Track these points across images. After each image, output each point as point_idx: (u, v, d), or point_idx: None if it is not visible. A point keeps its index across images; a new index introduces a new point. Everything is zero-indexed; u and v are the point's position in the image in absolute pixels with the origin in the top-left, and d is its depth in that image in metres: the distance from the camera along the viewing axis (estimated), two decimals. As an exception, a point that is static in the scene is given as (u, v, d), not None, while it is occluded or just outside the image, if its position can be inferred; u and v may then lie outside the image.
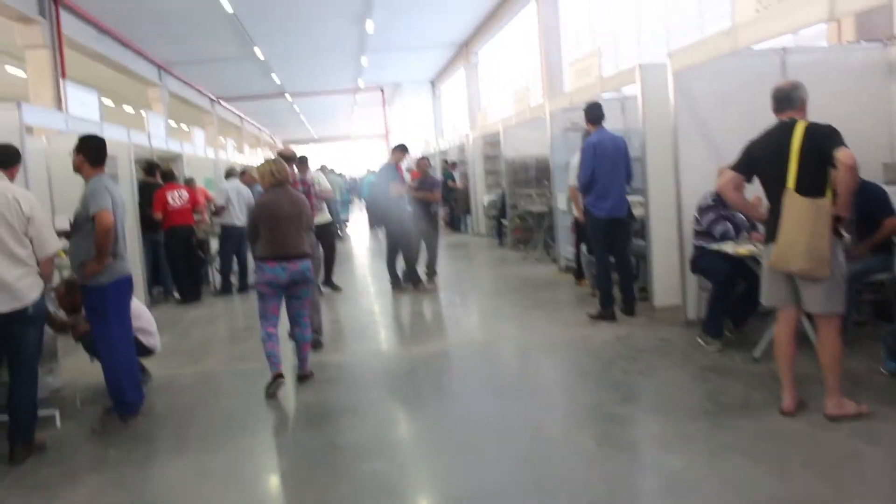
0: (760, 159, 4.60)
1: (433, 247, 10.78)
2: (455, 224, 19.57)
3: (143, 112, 12.52)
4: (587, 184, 7.51)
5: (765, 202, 4.75)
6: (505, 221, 14.60)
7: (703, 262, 6.44)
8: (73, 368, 6.73)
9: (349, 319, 9.13)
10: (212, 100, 34.37)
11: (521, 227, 14.06)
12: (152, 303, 10.66)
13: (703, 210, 6.40)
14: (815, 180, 4.31)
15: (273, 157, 6.53)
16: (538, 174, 13.93)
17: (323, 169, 20.12)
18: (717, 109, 6.85)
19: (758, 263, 5.60)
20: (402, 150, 10.65)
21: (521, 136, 13.92)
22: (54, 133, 9.90)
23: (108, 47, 20.22)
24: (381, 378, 6.36)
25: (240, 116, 42.83)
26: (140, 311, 6.28)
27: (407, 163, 11.59)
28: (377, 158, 27.38)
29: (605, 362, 6.13)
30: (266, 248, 5.98)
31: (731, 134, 6.27)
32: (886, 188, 6.05)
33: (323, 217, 10.54)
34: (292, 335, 6.50)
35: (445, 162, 20.23)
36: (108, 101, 32.01)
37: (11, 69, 23.59)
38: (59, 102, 8.75)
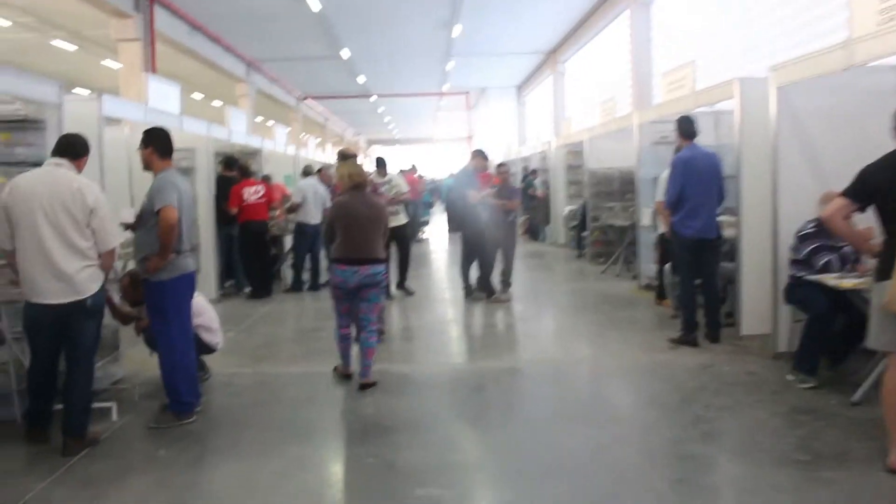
0: (880, 188, 4.12)
1: (510, 256, 10.44)
2: (534, 233, 19.18)
3: (224, 106, 12.53)
4: (675, 201, 7.06)
5: (878, 234, 4.26)
6: (585, 233, 14.15)
7: (800, 293, 5.94)
8: (137, 360, 6.62)
9: (418, 327, 8.90)
10: (297, 98, 34.80)
11: (601, 241, 13.58)
12: (223, 296, 10.67)
13: (803, 238, 5.89)
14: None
15: (351, 160, 6.52)
16: (622, 187, 13.44)
17: (402, 172, 20.06)
18: (825, 129, 6.32)
19: (863, 299, 5.10)
20: (481, 155, 10.37)
21: (606, 147, 13.44)
22: (138, 124, 9.97)
23: (198, 43, 20.58)
24: (446, 393, 6.06)
25: (324, 115, 43.32)
26: (203, 307, 6.16)
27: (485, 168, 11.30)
28: (459, 162, 27.03)
29: (685, 393, 5.70)
30: (339, 250, 6.00)
31: (839, 157, 5.82)
32: None
33: (398, 219, 10.37)
34: (357, 339, 6.34)
35: (525, 169, 19.84)
36: (197, 96, 32.83)
37: (110, 63, 24.28)
38: (158, 97, 8.72)
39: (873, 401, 4.52)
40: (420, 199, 20.56)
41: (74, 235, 4.63)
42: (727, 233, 7.78)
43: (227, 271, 11.47)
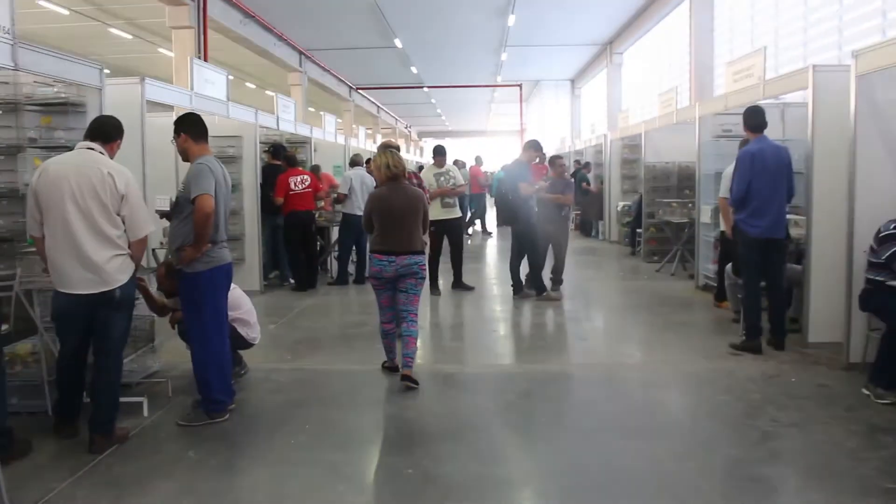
0: None
1: (561, 253, 10.04)
2: (586, 229, 18.69)
3: (273, 94, 12.37)
4: (742, 198, 6.59)
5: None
6: (639, 230, 13.66)
7: (879, 300, 5.46)
8: (174, 351, 6.43)
9: (465, 324, 8.61)
10: (350, 87, 34.70)
11: (656, 238, 13.09)
12: (266, 288, 10.50)
13: (883, 239, 5.40)
14: None
15: (390, 150, 6.25)
16: (680, 182, 12.94)
17: (456, 163, 19.74)
18: (909, 122, 5.83)
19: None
20: (534, 147, 9.99)
21: (665, 140, 12.95)
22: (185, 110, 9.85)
23: (251, 31, 20.50)
24: (492, 397, 5.70)
25: (377, 105, 43.19)
26: (240, 300, 5.93)
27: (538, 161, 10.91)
28: (510, 154, 26.57)
29: (749, 406, 5.26)
30: (377, 242, 5.95)
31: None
32: None
33: (453, 212, 10.05)
34: (398, 331, 6.14)
35: (578, 163, 19.34)
36: (251, 85, 32.95)
37: (166, 52, 24.40)
38: (204, 83, 8.56)
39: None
40: (485, 192, 20.26)
41: (104, 223, 4.42)
42: (793, 232, 7.31)
43: (272, 262, 11.33)
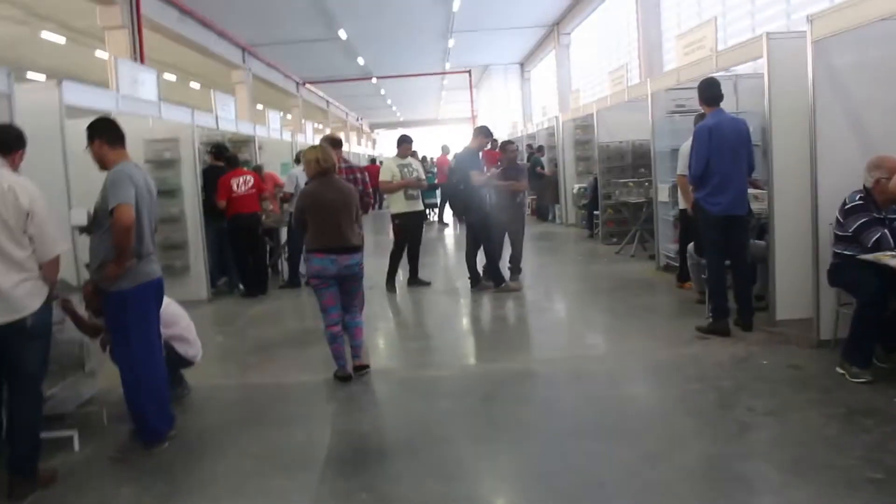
0: None
1: (518, 241, 9.74)
2: (543, 213, 18.43)
3: (211, 92, 11.82)
4: (701, 174, 6.31)
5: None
6: (596, 212, 13.42)
7: (847, 274, 5.23)
8: (111, 375, 5.92)
9: (420, 323, 8.26)
10: (297, 82, 34.02)
11: (614, 219, 12.86)
12: (215, 295, 10.04)
13: (849, 211, 5.16)
14: None
15: (319, 144, 6.16)
16: (635, 161, 12.73)
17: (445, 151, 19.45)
18: (869, 88, 5.59)
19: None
20: (484, 133, 9.64)
21: (617, 119, 12.70)
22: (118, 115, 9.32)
23: (190, 29, 19.86)
24: (451, 404, 5.32)
25: (326, 100, 42.51)
26: (176, 316, 5.51)
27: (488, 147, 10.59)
28: (464, 142, 26.37)
29: (721, 395, 5.00)
30: (314, 240, 5.77)
31: (887, 119, 5.15)
32: None
33: (416, 205, 9.69)
34: (343, 324, 5.97)
35: (530, 147, 19.04)
36: (195, 84, 32.13)
37: (103, 54, 23.60)
38: (133, 84, 8.02)
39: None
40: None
41: (8, 244, 3.96)
42: (754, 207, 7.07)
43: (219, 268, 10.85)
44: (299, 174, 10.36)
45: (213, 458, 4.54)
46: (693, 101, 9.34)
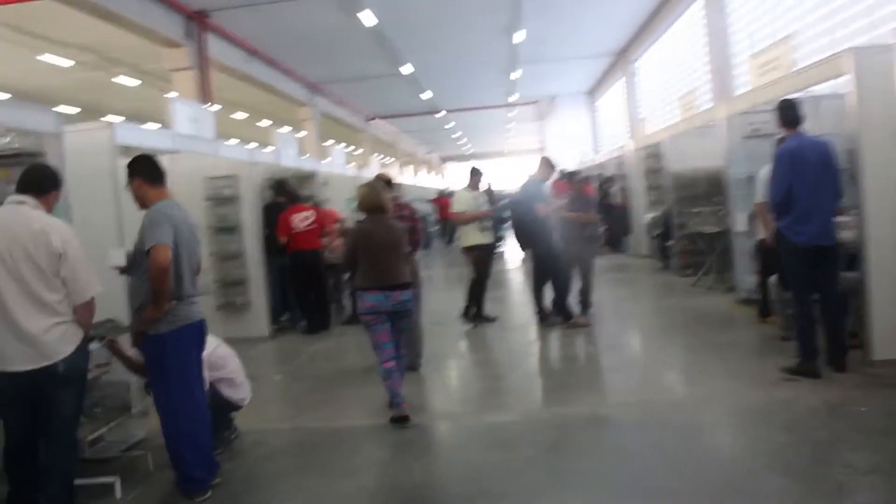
0: None
1: (588, 274, 9.32)
2: (614, 244, 17.85)
3: (271, 128, 11.84)
4: (783, 202, 5.79)
5: None
6: (670, 243, 12.85)
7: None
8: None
9: (483, 362, 7.87)
10: (365, 118, 34.29)
11: (688, 250, 12.27)
12: (277, 332, 9.88)
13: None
14: None
15: (370, 182, 6.09)
16: (709, 189, 12.08)
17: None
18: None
19: None
20: (548, 164, 9.27)
21: (688, 146, 12.15)
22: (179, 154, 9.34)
23: (256, 69, 20.12)
24: (512, 454, 4.89)
25: (394, 135, 42.78)
26: (224, 358, 5.28)
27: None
28: (524, 173, 26.02)
29: (816, 448, 4.46)
30: (367, 278, 5.70)
31: None
32: None
33: (482, 238, 9.37)
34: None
35: (600, 177, 18.51)
36: (265, 122, 32.71)
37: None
38: (192, 123, 7.97)
39: None
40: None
41: (39, 287, 3.79)
42: (844, 235, 6.50)
43: (282, 305, 10.71)
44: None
45: (257, 512, 4.25)
46: (770, 124, 8.86)
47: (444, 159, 67.01)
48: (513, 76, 26.39)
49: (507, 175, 47.12)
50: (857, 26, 10.69)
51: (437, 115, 35.96)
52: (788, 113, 5.92)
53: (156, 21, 14.89)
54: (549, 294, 9.06)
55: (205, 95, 16.48)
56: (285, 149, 11.27)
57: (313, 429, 5.77)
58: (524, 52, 22.32)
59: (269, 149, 11.21)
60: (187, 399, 4.38)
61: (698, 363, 6.81)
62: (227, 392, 5.21)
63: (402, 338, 5.96)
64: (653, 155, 15.18)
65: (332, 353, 8.66)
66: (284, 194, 10.15)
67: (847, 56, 5.85)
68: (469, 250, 9.36)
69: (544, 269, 9.04)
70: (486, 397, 6.45)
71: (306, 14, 17.01)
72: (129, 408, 5.26)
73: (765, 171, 7.12)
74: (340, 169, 14.86)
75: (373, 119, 35.43)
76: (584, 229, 9.25)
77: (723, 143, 9.28)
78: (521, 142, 51.76)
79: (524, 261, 18.01)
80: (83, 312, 3.97)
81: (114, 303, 4.58)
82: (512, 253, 18.90)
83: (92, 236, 5.53)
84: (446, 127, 42.60)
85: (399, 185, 8.70)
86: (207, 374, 5.00)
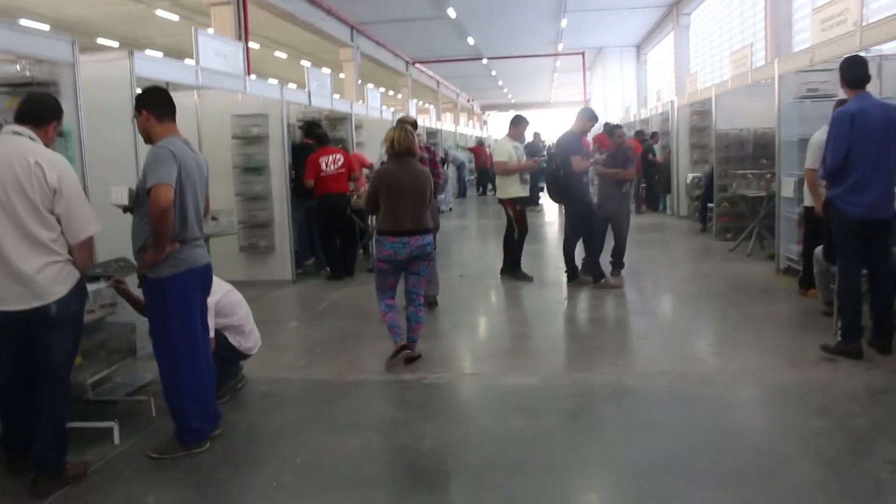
0: None
1: (622, 234, 8.97)
2: (652, 203, 17.35)
3: (304, 67, 11.49)
4: (838, 169, 5.34)
5: None
6: (711, 205, 12.38)
7: None
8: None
9: (506, 320, 7.59)
10: (406, 62, 33.69)
11: (730, 213, 11.81)
12: (301, 276, 9.72)
13: None
14: None
15: (399, 125, 5.79)
16: (756, 151, 11.65)
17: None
18: None
19: None
20: (588, 116, 8.83)
21: (738, 104, 11.63)
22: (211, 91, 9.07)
23: (297, 6, 19.68)
24: (529, 421, 4.61)
25: (436, 80, 42.07)
26: (235, 306, 5.07)
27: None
28: (564, 125, 25.38)
29: (854, 438, 4.13)
30: (387, 223, 5.63)
31: None
32: None
33: (523, 190, 9.03)
34: (406, 313, 5.95)
35: (643, 133, 17.89)
36: (306, 62, 32.29)
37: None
38: (216, 57, 7.64)
39: None
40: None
41: (33, 224, 3.57)
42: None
43: (308, 248, 10.54)
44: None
45: (253, 466, 4.06)
46: (828, 84, 8.34)
47: (485, 108, 66.07)
48: (560, 25, 25.60)
49: (550, 126, 46.26)
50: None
51: (482, 62, 35.21)
52: (855, 71, 5.40)
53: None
54: (580, 252, 8.73)
55: (242, 31, 16.16)
56: (319, 88, 10.90)
57: (324, 381, 5.57)
58: (572, -1, 21.62)
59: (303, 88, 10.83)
60: (189, 347, 4.17)
61: (732, 335, 6.46)
62: (236, 340, 5.01)
63: (420, 282, 5.85)
64: (699, 112, 14.65)
65: (353, 301, 8.44)
66: (314, 136, 9.86)
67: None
68: (510, 202, 9.01)
69: (577, 225, 8.69)
70: (507, 357, 6.19)
71: (349, -50, 16.57)
72: (134, 350, 5.09)
73: (818, 135, 6.68)
74: (376, 112, 14.47)
75: (414, 64, 34.79)
76: (620, 186, 8.88)
77: (775, 102, 8.76)
78: (564, 93, 50.73)
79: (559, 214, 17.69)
80: (80, 252, 3.75)
81: (126, 241, 4.37)
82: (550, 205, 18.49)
83: (107, 173, 5.35)
84: (489, 75, 41.79)
85: (416, 129, 8.28)
86: (215, 321, 4.82)
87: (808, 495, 3.53)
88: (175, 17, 22.93)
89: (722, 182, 11.73)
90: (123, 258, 4.86)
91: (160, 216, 3.85)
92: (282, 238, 9.50)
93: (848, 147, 5.22)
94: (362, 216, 10.94)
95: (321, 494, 3.74)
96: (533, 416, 4.69)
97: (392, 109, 17.65)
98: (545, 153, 15.36)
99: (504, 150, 8.92)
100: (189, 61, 7.59)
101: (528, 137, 18.26)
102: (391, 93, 41.84)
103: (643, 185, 17.16)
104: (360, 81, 25.59)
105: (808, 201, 7.22)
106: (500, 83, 47.51)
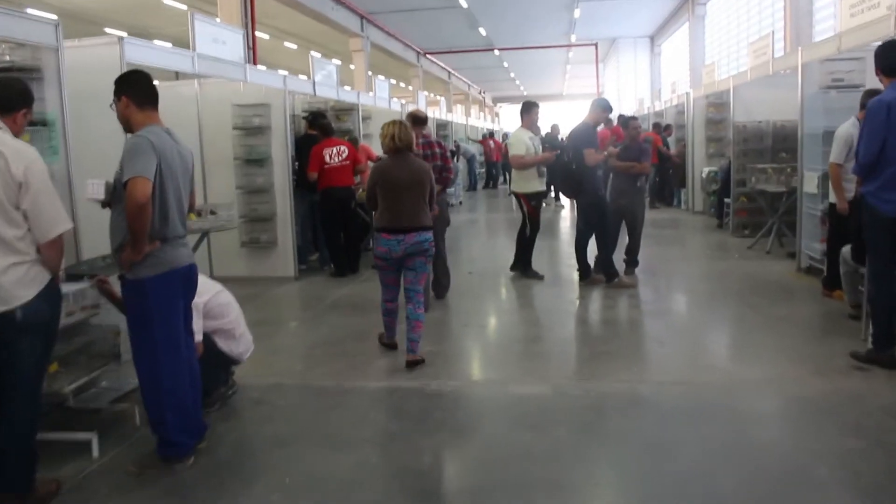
0: None
1: (636, 230, 8.63)
2: (665, 198, 16.92)
3: (309, 56, 11.19)
4: (871, 163, 4.96)
5: None
6: (728, 199, 12.00)
7: None
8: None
9: (513, 322, 7.25)
10: (417, 52, 33.31)
11: (747, 209, 11.43)
12: (304, 273, 9.43)
13: None
14: None
15: (397, 120, 5.70)
16: (776, 144, 11.24)
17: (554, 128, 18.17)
18: None
19: None
20: (602, 107, 8.45)
21: (757, 96, 11.27)
22: (208, 79, 8.77)
23: (306, -5, 19.41)
24: (535, 436, 4.28)
25: (447, 71, 41.66)
26: (226, 308, 4.76)
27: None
28: (576, 117, 25.00)
29: (891, 459, 3.77)
30: (383, 219, 5.57)
31: None
32: None
33: (539, 184, 8.67)
34: (405, 312, 5.74)
35: (658, 126, 17.49)
36: (316, 53, 31.99)
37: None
38: (214, 44, 7.33)
39: None
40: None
41: (-3, 221, 3.27)
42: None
43: (312, 243, 10.25)
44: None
45: (239, 485, 3.75)
46: (854, 73, 7.97)
47: (497, 100, 65.60)
48: (573, 14, 25.18)
49: (563, 119, 45.82)
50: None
51: (494, 53, 34.82)
52: (889, 57, 5.00)
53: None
54: (592, 249, 8.38)
55: (248, 20, 15.87)
56: (325, 78, 10.58)
57: (321, 388, 5.25)
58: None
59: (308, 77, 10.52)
60: (170, 353, 3.86)
61: (753, 340, 6.11)
62: (225, 345, 4.71)
63: (419, 279, 5.67)
64: (716, 104, 14.27)
65: (357, 299, 8.12)
66: (318, 126, 9.55)
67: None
68: (525, 197, 8.66)
69: (590, 221, 8.35)
70: (515, 363, 5.86)
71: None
72: (118, 355, 4.78)
73: (846, 127, 6.35)
74: (384, 103, 14.13)
75: (425, 55, 34.42)
76: (634, 181, 8.52)
77: (798, 93, 8.37)
78: (577, 85, 50.25)
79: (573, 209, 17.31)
80: (48, 252, 3.43)
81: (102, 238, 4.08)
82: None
83: (94, 165, 5.04)
84: (501, 66, 41.37)
85: (426, 123, 8.01)
86: (203, 324, 4.52)
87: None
88: (183, 7, 22.64)
89: (740, 176, 11.34)
90: (107, 256, 4.56)
91: (137, 212, 3.53)
92: (284, 233, 9.20)
93: (883, 140, 4.84)
94: (367, 211, 10.64)
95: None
96: (541, 430, 4.35)
97: (402, 101, 17.32)
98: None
99: (521, 143, 8.53)
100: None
101: (545, 128, 17.93)
102: (402, 84, 41.50)
103: (656, 178, 16.76)
104: (370, 73, 25.28)
105: (832, 198, 6.86)
106: (513, 75, 47.07)
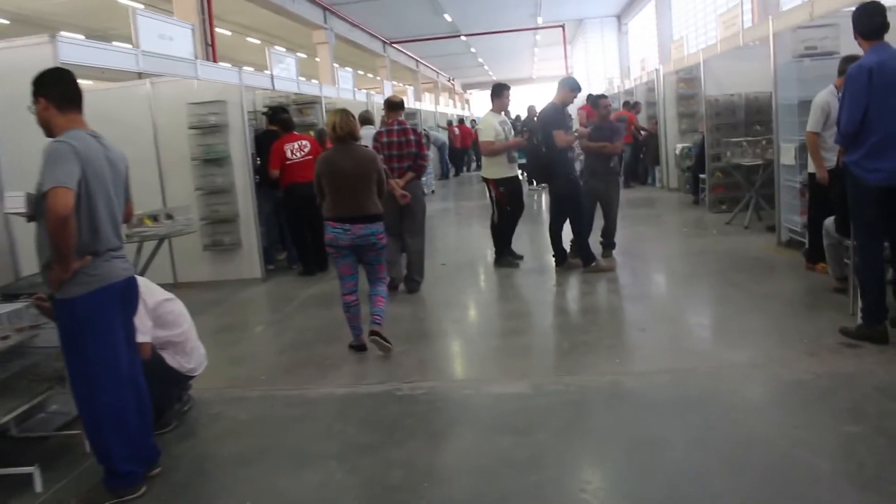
0: None
1: (612, 212, 8.35)
2: (640, 176, 16.67)
3: (265, 49, 10.81)
4: (854, 131, 4.72)
5: None
6: (703, 175, 11.78)
7: None
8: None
9: (487, 316, 6.96)
10: (383, 42, 32.85)
11: (723, 184, 11.22)
12: (271, 273, 9.12)
13: None
14: None
15: (340, 109, 5.74)
16: (749, 117, 11.01)
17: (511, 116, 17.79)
18: None
19: None
20: (569, 86, 8.15)
21: (728, 69, 11.06)
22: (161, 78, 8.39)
23: (264, -14, 18.92)
24: (511, 440, 4.00)
25: (415, 60, 41.21)
26: (178, 317, 4.44)
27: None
28: (544, 98, 24.67)
29: (891, 442, 3.54)
30: (328, 209, 5.56)
31: None
32: None
33: (514, 169, 8.40)
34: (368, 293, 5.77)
35: (627, 104, 17.21)
36: (280, 47, 31.44)
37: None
38: (160, 40, 6.95)
39: None
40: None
41: None
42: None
43: (279, 243, 9.92)
44: (364, 136, 9.23)
45: (197, 514, 3.45)
46: (828, 41, 7.73)
47: (467, 87, 65.25)
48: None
49: (533, 102, 45.61)
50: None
51: (460, 39, 34.45)
52: (871, 20, 4.73)
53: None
54: (567, 233, 8.11)
55: (206, 16, 15.42)
56: (281, 71, 10.21)
57: (285, 397, 4.93)
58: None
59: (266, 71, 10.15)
60: (110, 377, 3.53)
61: (737, 320, 5.86)
62: (175, 361, 4.37)
63: (377, 270, 5.70)
64: (686, 79, 14.06)
65: (327, 298, 7.76)
66: (278, 122, 9.19)
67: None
68: (493, 183, 8.36)
69: (562, 206, 8.07)
70: (491, 360, 5.56)
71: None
72: (62, 378, 4.44)
73: (823, 95, 6.13)
74: (348, 94, 13.77)
75: (391, 44, 33.96)
76: (607, 162, 8.25)
77: (770, 64, 8.13)
78: (546, 67, 50.04)
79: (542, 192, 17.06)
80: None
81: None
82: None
83: (26, 177, 4.68)
84: (468, 52, 41.00)
85: (402, 109, 7.82)
86: (153, 333, 4.19)
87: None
88: (140, 6, 22.04)
89: (714, 151, 11.11)
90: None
91: (59, 225, 3.20)
92: (248, 233, 8.85)
93: (866, 106, 4.59)
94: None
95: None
96: (522, 433, 4.06)
97: (369, 92, 16.94)
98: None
99: (490, 128, 8.20)
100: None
101: (521, 112, 17.58)
102: (370, 75, 41.01)
103: (635, 157, 16.50)
104: (336, 65, 24.82)
105: (810, 168, 6.65)
106: (481, 60, 46.72)
